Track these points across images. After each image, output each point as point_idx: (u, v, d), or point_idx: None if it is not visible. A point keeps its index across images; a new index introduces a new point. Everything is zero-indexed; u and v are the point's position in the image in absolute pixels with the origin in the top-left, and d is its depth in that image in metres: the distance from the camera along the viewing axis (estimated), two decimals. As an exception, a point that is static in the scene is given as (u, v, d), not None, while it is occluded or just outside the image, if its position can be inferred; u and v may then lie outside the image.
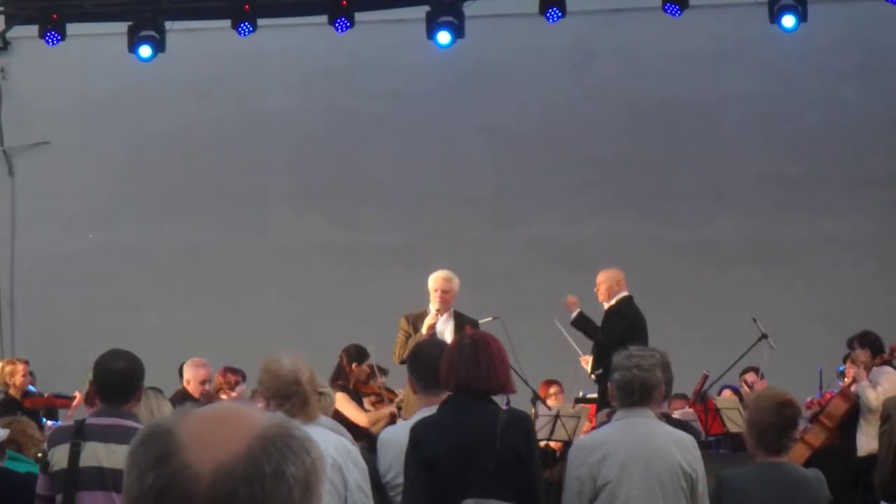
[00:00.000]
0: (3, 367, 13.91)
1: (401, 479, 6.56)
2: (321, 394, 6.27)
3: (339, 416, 11.67)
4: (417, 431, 6.37)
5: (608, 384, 6.73)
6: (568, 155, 18.41)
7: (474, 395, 6.36)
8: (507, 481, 6.23)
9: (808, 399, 13.60)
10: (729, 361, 13.81)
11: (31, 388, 14.02)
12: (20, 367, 13.80)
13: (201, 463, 1.88)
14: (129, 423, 6.48)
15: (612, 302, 13.25)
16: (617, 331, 12.73)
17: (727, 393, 14.54)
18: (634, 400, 6.59)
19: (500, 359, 6.47)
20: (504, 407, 6.57)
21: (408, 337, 11.98)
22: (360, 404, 12.25)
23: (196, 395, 12.43)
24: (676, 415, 13.13)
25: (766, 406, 6.49)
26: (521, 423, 6.43)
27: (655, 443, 6.56)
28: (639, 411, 6.59)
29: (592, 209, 18.31)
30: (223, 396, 12.94)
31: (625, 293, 13.29)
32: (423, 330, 11.94)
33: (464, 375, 6.37)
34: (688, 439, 6.85)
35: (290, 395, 6.04)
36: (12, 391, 13.67)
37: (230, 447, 1.88)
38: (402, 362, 11.65)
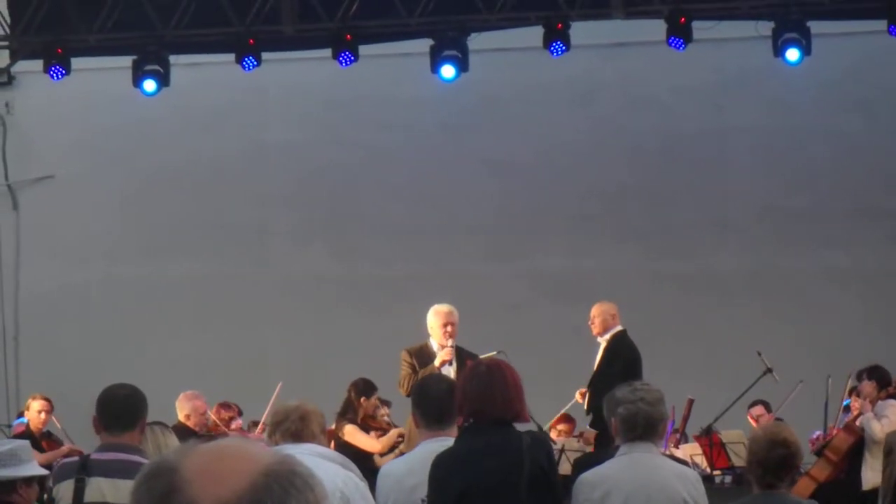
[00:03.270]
0: (30, 401, 14.03)
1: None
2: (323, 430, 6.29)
3: (349, 447, 11.71)
4: (439, 466, 6.34)
5: (611, 420, 6.68)
6: (571, 188, 18.41)
7: (490, 421, 6.35)
8: (536, 499, 6.23)
9: (815, 434, 13.57)
10: (732, 395, 13.79)
11: (53, 428, 14.08)
12: (35, 404, 13.85)
13: (206, 499, 1.88)
14: (135, 457, 6.46)
15: (608, 336, 13.19)
16: (623, 365, 12.66)
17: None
18: (638, 434, 6.56)
19: (516, 386, 6.47)
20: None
21: (413, 369, 11.96)
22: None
23: (197, 428, 12.42)
24: (678, 454, 13.05)
25: (760, 441, 6.50)
26: (543, 444, 6.46)
27: (658, 478, 6.54)
28: (642, 446, 6.57)
29: (595, 242, 18.30)
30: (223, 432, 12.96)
31: (619, 327, 13.24)
32: (436, 363, 11.92)
33: (478, 403, 6.37)
34: (691, 474, 6.84)
35: (288, 416, 6.06)
36: (32, 427, 13.74)
37: (234, 484, 1.88)
38: (409, 395, 11.66)
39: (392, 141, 18.68)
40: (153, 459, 2.00)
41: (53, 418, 14.01)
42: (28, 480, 6.48)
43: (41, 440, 13.62)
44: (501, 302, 17.95)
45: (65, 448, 13.44)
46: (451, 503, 6.27)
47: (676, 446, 13.44)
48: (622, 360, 12.82)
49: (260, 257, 18.94)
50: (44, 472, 7.52)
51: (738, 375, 14.12)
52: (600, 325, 13.23)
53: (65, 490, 6.56)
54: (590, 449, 12.68)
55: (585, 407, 13.20)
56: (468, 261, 18.31)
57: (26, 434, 13.60)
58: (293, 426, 6.19)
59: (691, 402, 13.35)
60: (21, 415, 14.55)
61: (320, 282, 18.59)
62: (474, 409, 6.40)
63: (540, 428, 13.00)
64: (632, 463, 6.55)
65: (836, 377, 13.65)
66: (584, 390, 13.46)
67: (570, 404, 14.03)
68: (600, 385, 12.60)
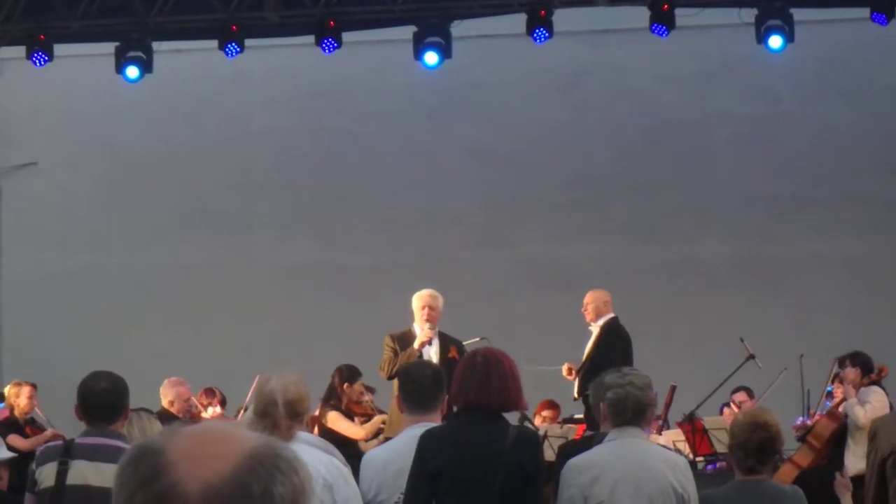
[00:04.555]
0: (9, 389, 13.99)
1: (382, 497, 6.55)
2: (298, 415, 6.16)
3: (333, 434, 11.71)
4: (425, 440, 6.34)
5: (600, 404, 6.68)
6: (555, 175, 18.43)
7: (485, 412, 6.36)
8: (511, 499, 6.23)
9: (798, 421, 13.59)
10: (716, 382, 13.81)
11: (36, 415, 14.06)
12: (25, 390, 13.85)
13: (190, 482, 1.87)
14: (118, 442, 6.46)
15: (601, 322, 13.21)
16: (616, 350, 12.65)
17: (726, 412, 14.53)
18: (627, 418, 6.55)
19: (513, 376, 6.46)
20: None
21: (395, 353, 11.97)
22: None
23: (180, 414, 12.42)
24: (661, 440, 13.07)
25: (741, 425, 6.52)
26: (530, 440, 6.45)
27: (647, 463, 6.53)
28: (631, 431, 6.57)
29: (579, 229, 18.31)
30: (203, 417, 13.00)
31: (611, 314, 13.27)
32: (416, 345, 11.92)
33: (475, 394, 6.36)
34: (679, 460, 6.84)
35: (265, 415, 6.04)
36: (17, 413, 13.73)
37: (219, 467, 1.88)
38: (391, 378, 11.67)
39: (376, 128, 18.67)
40: (137, 442, 1.99)
41: (36, 405, 14.01)
42: None
43: (25, 426, 13.64)
44: (487, 289, 17.97)
45: (48, 433, 13.44)
46: (424, 479, 6.27)
47: (659, 433, 13.45)
48: (617, 347, 12.82)
49: (244, 245, 18.92)
50: (10, 455, 7.58)
51: (722, 362, 14.14)
52: (593, 311, 13.24)
53: (47, 472, 6.56)
54: (573, 436, 12.69)
55: (575, 393, 13.20)
56: (453, 248, 18.32)
57: (10, 420, 13.62)
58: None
59: (674, 388, 13.36)
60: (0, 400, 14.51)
61: (305, 269, 18.58)
62: (468, 402, 6.40)
63: (524, 415, 12.99)
64: (621, 448, 6.54)
65: (820, 363, 13.66)
66: (570, 365, 13.43)
67: (554, 368, 13.92)
68: (592, 372, 12.58)
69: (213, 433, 1.95)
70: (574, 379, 13.32)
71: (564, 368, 13.54)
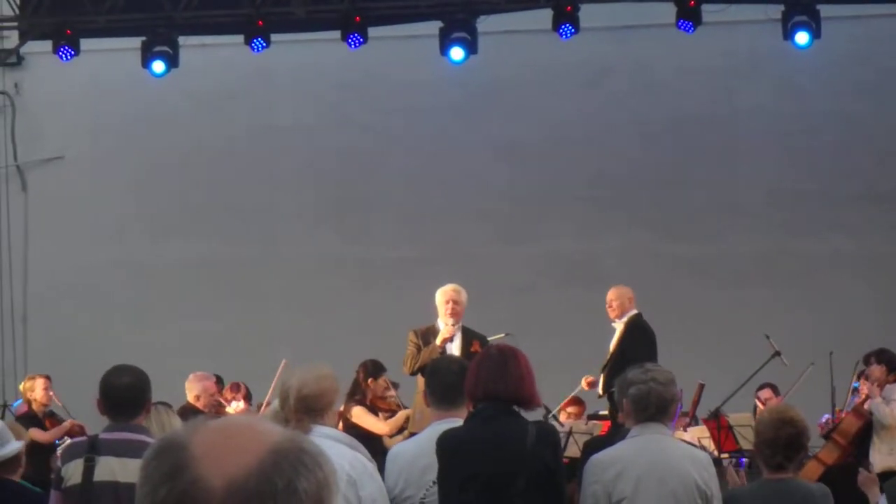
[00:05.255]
0: (24, 384, 14.01)
1: (409, 493, 6.55)
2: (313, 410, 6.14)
3: (357, 429, 11.71)
4: (449, 447, 6.34)
5: (623, 400, 6.67)
6: (580, 171, 18.40)
7: (500, 406, 6.36)
8: (536, 496, 6.23)
9: (823, 418, 13.55)
10: (741, 378, 13.78)
11: (55, 406, 14.08)
12: (40, 382, 13.87)
13: (214, 477, 1.87)
14: (143, 437, 6.47)
15: (625, 319, 13.19)
16: (642, 346, 12.63)
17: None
18: (650, 413, 6.54)
19: (528, 371, 6.48)
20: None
21: (418, 349, 11.96)
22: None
23: (206, 408, 12.44)
24: (685, 437, 13.04)
25: (767, 422, 6.49)
26: (550, 437, 6.46)
27: (670, 459, 6.53)
28: (653, 427, 6.55)
29: (605, 225, 18.29)
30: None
31: (635, 311, 13.25)
32: (438, 342, 11.91)
33: (491, 385, 6.38)
34: (703, 456, 6.83)
35: (281, 408, 6.06)
36: (35, 406, 13.75)
37: (243, 461, 1.88)
38: (413, 373, 11.68)
39: (401, 123, 18.67)
40: (162, 437, 1.99)
41: (53, 395, 14.01)
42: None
43: (44, 419, 13.65)
44: (511, 284, 17.96)
45: (67, 424, 13.48)
46: (455, 489, 6.27)
47: (685, 430, 13.42)
48: (641, 343, 12.79)
49: (269, 239, 18.94)
50: (20, 444, 7.66)
51: (747, 359, 14.10)
52: (618, 308, 13.21)
53: (74, 469, 6.56)
54: (599, 432, 12.68)
55: (600, 390, 13.18)
56: (478, 243, 18.31)
57: (29, 414, 13.64)
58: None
59: (702, 386, 13.33)
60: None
61: (329, 264, 18.59)
62: (486, 393, 6.40)
63: (548, 411, 12.99)
64: (644, 444, 6.54)
65: (846, 361, 13.62)
66: (590, 378, 13.46)
67: (576, 390, 14.04)
68: (617, 368, 12.57)
69: (237, 427, 1.95)
70: (593, 388, 13.36)
71: (584, 382, 13.57)
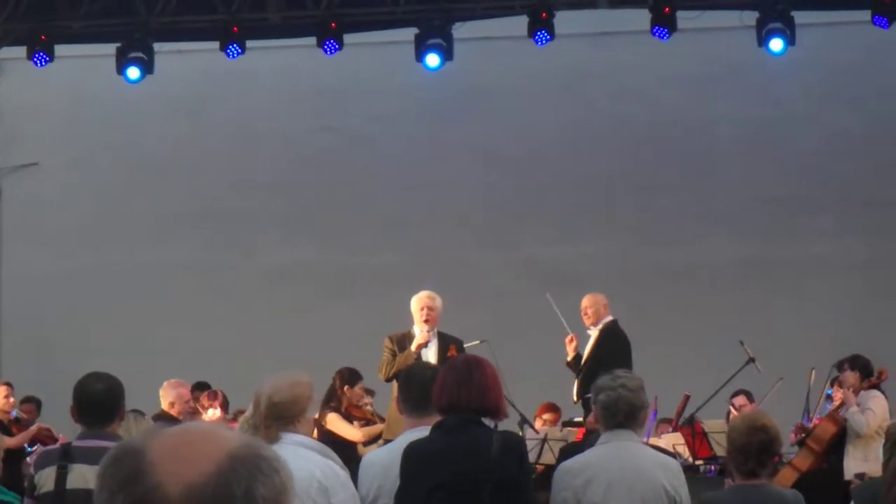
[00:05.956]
0: None
1: (382, 501, 6.52)
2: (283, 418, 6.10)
3: (331, 435, 11.69)
4: (414, 457, 6.30)
5: (592, 406, 6.67)
6: (558, 177, 18.42)
7: (465, 416, 6.32)
8: None
9: (796, 423, 13.56)
10: (717, 384, 13.79)
11: (14, 413, 13.96)
12: (3, 390, 13.77)
13: (172, 483, 1.86)
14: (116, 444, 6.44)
15: (600, 325, 13.21)
16: (616, 352, 12.64)
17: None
18: (619, 420, 6.55)
19: (493, 380, 6.43)
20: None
21: (394, 355, 11.94)
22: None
23: (181, 416, 12.39)
24: (660, 443, 13.04)
25: (740, 428, 6.49)
26: (515, 446, 6.40)
27: (640, 465, 6.53)
28: (623, 433, 6.56)
29: (582, 231, 18.31)
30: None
31: (610, 317, 13.28)
32: (413, 347, 11.89)
33: (455, 395, 6.33)
34: (672, 463, 6.83)
35: (254, 413, 6.05)
36: None
37: (200, 467, 1.87)
38: (388, 380, 11.65)
39: (378, 129, 18.67)
40: (119, 443, 1.99)
41: (14, 402, 13.90)
42: None
43: (10, 426, 13.54)
44: (489, 290, 17.97)
45: (34, 427, 13.39)
46: (420, 500, 6.24)
47: (660, 436, 13.44)
48: (616, 349, 12.81)
49: (247, 245, 18.91)
50: None
51: (724, 365, 14.11)
52: (593, 315, 13.24)
53: (47, 476, 6.56)
54: (574, 438, 12.68)
55: (574, 396, 13.20)
56: (456, 249, 18.31)
57: None
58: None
59: (687, 397, 13.35)
60: None
61: (307, 269, 18.57)
62: (451, 403, 6.36)
63: (523, 416, 12.98)
64: (614, 451, 6.53)
65: (823, 367, 13.63)
66: (571, 336, 13.48)
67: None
68: (592, 375, 12.57)
69: (194, 433, 1.94)
70: (575, 347, 13.38)
71: (568, 341, 13.54)
